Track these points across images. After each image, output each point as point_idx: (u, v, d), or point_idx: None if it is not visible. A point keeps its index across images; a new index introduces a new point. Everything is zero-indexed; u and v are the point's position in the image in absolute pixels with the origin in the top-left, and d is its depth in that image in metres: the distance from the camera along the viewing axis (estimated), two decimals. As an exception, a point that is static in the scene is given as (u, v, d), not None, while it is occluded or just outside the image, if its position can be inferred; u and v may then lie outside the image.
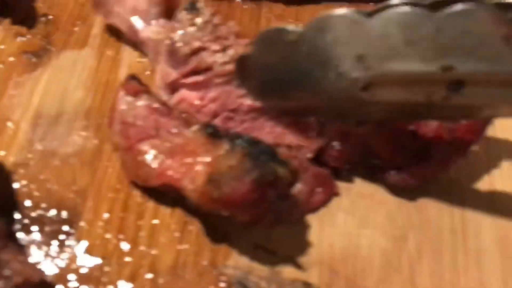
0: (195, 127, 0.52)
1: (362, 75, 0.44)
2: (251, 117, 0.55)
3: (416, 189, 0.53)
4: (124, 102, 0.54)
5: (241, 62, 0.52)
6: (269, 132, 0.54)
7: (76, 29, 0.65)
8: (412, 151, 0.51)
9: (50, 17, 0.66)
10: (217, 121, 0.55)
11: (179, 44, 0.55)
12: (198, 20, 0.57)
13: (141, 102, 0.54)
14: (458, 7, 0.39)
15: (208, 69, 0.55)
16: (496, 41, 0.39)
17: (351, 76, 0.44)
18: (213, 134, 0.50)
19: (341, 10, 0.43)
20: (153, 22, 0.58)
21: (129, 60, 0.62)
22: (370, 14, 0.42)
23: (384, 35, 0.42)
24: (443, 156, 0.50)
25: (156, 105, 0.53)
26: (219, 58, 0.55)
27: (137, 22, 0.59)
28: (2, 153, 0.54)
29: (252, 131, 0.55)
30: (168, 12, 0.59)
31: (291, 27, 0.47)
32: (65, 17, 0.66)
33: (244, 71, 0.53)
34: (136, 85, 0.55)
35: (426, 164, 0.51)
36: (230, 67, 0.54)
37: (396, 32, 0.41)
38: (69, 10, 0.66)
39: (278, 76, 0.50)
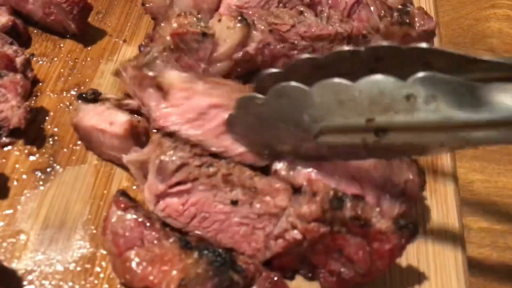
0: (172, 239, 0.65)
1: (312, 127, 0.61)
2: (220, 219, 0.68)
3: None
4: (115, 215, 0.67)
5: (229, 120, 0.69)
6: (231, 237, 0.68)
7: (77, 148, 0.79)
8: (340, 264, 0.64)
9: (56, 137, 0.80)
10: (195, 221, 0.69)
11: (165, 164, 0.69)
12: (178, 142, 0.71)
13: (129, 216, 0.67)
14: (376, 77, 0.55)
15: (195, 179, 0.68)
16: (401, 99, 0.55)
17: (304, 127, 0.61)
18: (186, 246, 0.64)
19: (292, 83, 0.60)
20: (131, 151, 0.72)
21: (120, 176, 0.76)
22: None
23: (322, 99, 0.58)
24: (364, 270, 0.63)
25: (141, 219, 0.67)
26: (205, 172, 0.68)
27: (119, 154, 0.74)
28: (15, 261, 0.67)
29: (219, 232, 0.68)
30: (138, 140, 0.74)
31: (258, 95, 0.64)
32: (68, 137, 0.80)
33: (232, 126, 0.69)
34: (126, 201, 0.68)
35: (351, 275, 0.63)
36: (213, 180, 0.68)
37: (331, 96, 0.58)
38: (71, 130, 0.80)
39: (256, 128, 0.67)
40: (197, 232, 0.68)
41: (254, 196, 0.66)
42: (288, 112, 0.61)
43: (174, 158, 0.69)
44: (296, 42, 0.81)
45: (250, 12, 0.84)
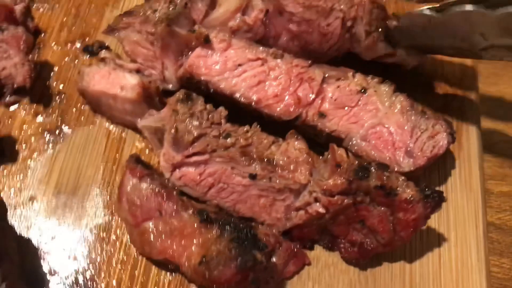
0: (190, 210, 0.65)
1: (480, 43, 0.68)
2: (238, 191, 0.68)
3: (373, 259, 0.67)
4: (130, 183, 0.67)
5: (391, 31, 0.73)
6: (250, 207, 0.68)
7: (85, 107, 0.77)
8: (362, 234, 0.65)
9: (63, 95, 0.77)
10: (212, 191, 0.69)
11: (182, 134, 0.67)
12: (195, 109, 0.69)
13: (145, 185, 0.66)
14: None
15: (213, 151, 0.67)
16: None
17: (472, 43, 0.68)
18: (206, 220, 0.63)
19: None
20: (145, 115, 0.71)
21: (132, 138, 0.75)
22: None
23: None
24: (387, 241, 0.63)
25: (158, 188, 0.66)
26: (223, 143, 0.67)
27: (132, 118, 0.72)
28: (29, 228, 0.68)
29: (238, 202, 0.68)
30: (151, 102, 0.72)
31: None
32: (76, 95, 0.77)
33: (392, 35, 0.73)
34: (141, 169, 0.67)
35: (373, 246, 0.64)
36: (232, 152, 0.67)
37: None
38: (79, 87, 0.78)
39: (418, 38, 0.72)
40: (214, 201, 0.68)
41: (272, 171, 0.66)
42: (458, 29, 0.67)
43: (190, 127, 0.68)
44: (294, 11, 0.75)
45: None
